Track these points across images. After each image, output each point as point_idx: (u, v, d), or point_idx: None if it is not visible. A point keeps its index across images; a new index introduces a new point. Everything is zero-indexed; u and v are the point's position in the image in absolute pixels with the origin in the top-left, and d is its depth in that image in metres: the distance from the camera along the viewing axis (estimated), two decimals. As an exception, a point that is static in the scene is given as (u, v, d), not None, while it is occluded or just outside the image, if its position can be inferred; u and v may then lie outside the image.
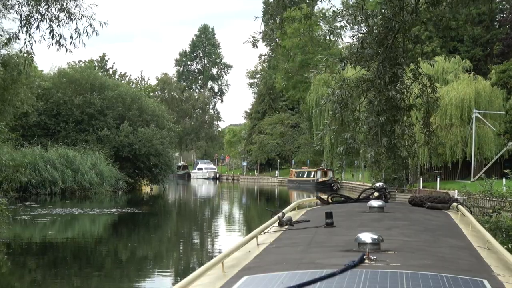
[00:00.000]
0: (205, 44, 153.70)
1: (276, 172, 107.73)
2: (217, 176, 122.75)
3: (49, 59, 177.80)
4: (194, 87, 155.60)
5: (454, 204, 10.90)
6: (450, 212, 10.55)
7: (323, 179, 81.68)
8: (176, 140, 77.20)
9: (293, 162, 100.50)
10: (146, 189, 71.09)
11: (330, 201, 12.03)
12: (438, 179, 52.56)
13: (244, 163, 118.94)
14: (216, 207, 58.00)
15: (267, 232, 7.92)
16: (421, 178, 54.99)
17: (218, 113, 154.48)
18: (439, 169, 55.71)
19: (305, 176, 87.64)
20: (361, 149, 15.32)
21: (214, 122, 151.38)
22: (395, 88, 14.60)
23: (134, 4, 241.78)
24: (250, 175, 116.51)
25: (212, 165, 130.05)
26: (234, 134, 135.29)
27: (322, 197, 12.58)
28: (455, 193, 44.30)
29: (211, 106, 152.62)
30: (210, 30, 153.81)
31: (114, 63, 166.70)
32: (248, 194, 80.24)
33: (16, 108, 49.99)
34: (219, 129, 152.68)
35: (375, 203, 9.60)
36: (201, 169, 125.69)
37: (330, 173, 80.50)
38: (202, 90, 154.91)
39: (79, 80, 66.80)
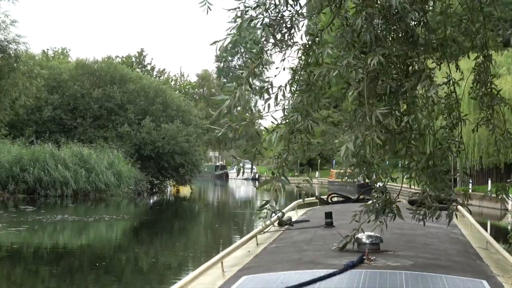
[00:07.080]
0: (246, 39, 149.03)
1: (317, 173, 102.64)
2: (256, 176, 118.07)
3: (87, 54, 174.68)
4: (234, 83, 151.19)
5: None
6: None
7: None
8: (204, 138, 71.84)
9: (333, 162, 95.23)
10: (173, 190, 66.41)
11: (330, 201, 12.01)
12: (490, 182, 48.85)
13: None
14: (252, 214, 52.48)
15: (267, 231, 8.12)
16: (470, 181, 50.56)
17: (259, 111, 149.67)
18: (490, 171, 51.55)
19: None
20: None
21: (256, 121, 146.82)
22: None
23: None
24: (289, 176, 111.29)
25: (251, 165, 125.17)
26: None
27: (321, 197, 12.42)
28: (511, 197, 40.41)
29: (252, 104, 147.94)
30: (252, 24, 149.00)
31: (152, 59, 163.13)
32: (287, 197, 75.13)
33: (12, 100, 45.30)
34: (262, 127, 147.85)
35: None
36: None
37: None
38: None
39: (98, 72, 62.05)
